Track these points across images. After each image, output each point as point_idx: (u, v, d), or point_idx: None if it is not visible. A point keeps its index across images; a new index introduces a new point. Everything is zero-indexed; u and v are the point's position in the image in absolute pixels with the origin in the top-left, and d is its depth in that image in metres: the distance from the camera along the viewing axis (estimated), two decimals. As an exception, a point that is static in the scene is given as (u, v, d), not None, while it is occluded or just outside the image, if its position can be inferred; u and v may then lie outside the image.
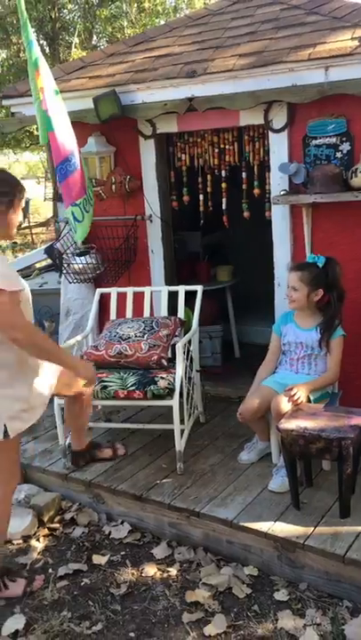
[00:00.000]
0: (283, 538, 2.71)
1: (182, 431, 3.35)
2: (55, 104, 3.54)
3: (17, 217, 2.51)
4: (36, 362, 2.61)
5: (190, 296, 3.79)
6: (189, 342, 3.56)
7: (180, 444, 3.27)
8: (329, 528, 2.73)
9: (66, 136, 3.58)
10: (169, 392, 3.24)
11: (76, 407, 3.14)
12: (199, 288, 3.76)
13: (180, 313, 3.79)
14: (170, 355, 3.46)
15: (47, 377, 2.71)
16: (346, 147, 3.38)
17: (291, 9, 3.85)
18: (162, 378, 3.28)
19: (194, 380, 3.68)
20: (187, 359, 3.47)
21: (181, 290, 3.80)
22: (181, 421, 3.30)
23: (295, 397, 2.97)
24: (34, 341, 2.42)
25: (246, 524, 2.81)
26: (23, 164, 21.56)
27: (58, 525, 3.24)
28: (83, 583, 2.80)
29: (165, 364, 3.40)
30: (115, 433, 3.77)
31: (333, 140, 3.41)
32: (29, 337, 2.39)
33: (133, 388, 3.28)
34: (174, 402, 3.22)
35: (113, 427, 3.78)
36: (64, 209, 3.96)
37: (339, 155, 3.41)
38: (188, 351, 3.54)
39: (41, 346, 2.47)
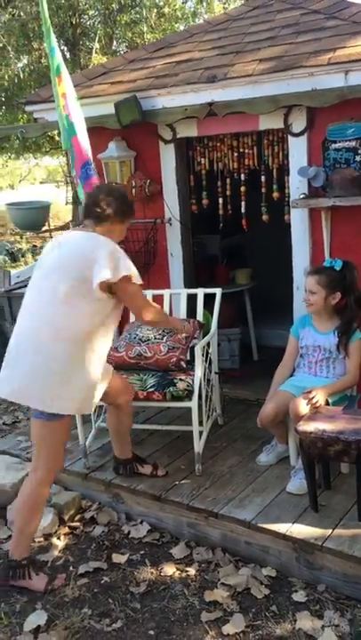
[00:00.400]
0: (301, 539, 2.73)
1: (201, 433, 3.38)
2: (76, 110, 3.61)
3: (123, 234, 2.91)
4: (103, 357, 2.80)
5: (209, 299, 3.82)
6: (208, 345, 3.59)
7: (198, 445, 3.30)
8: (347, 530, 2.74)
9: (85, 141, 3.66)
10: (188, 394, 3.27)
11: (118, 416, 3.20)
12: (218, 291, 3.79)
13: (199, 315, 3.82)
14: (189, 357, 3.50)
15: (105, 374, 2.87)
16: (365, 150, 3.39)
17: (311, 13, 3.88)
18: (181, 380, 3.32)
19: (213, 382, 3.71)
20: (206, 361, 3.50)
21: (200, 292, 3.84)
22: (200, 423, 3.33)
23: (314, 400, 2.99)
24: (161, 318, 3.02)
25: (264, 526, 2.84)
26: (43, 168, 21.80)
27: (78, 524, 3.28)
28: (103, 581, 2.85)
29: (184, 365, 3.43)
30: (134, 434, 3.79)
31: (353, 143, 3.41)
32: (158, 316, 2.96)
33: (153, 389, 3.32)
34: (193, 403, 3.25)
35: (132, 428, 3.81)
36: None
37: (358, 158, 3.41)
38: (207, 353, 3.57)
39: (164, 319, 3.10)
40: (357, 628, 2.42)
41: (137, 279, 2.72)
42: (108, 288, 2.65)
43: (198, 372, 3.32)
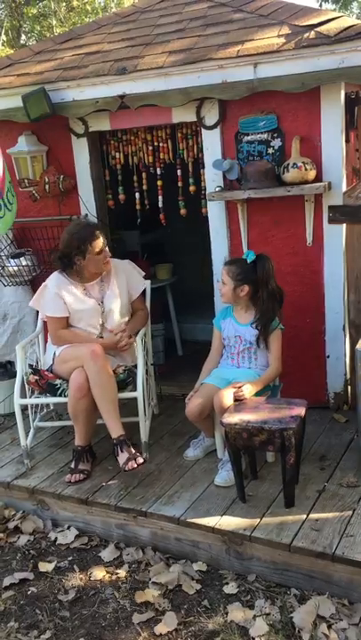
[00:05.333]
0: (230, 531, 2.73)
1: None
2: None
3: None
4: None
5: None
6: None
7: (145, 434, 3.34)
8: (275, 518, 2.77)
9: None
10: (133, 384, 3.31)
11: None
12: (147, 282, 3.76)
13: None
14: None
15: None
16: (277, 143, 3.44)
17: (218, 6, 3.87)
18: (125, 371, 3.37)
19: (150, 372, 3.75)
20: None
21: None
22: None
23: (241, 393, 2.98)
24: (65, 341, 3.40)
25: (194, 520, 2.82)
26: None
27: (1, 535, 3.15)
28: (29, 592, 2.74)
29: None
30: (66, 432, 3.75)
31: (265, 136, 3.46)
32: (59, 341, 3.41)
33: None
34: (138, 393, 3.27)
35: (63, 427, 3.77)
36: None
37: (271, 151, 3.46)
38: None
39: (70, 341, 3.38)
40: (288, 614, 2.45)
41: (49, 315, 3.39)
42: None
43: (141, 360, 3.34)
